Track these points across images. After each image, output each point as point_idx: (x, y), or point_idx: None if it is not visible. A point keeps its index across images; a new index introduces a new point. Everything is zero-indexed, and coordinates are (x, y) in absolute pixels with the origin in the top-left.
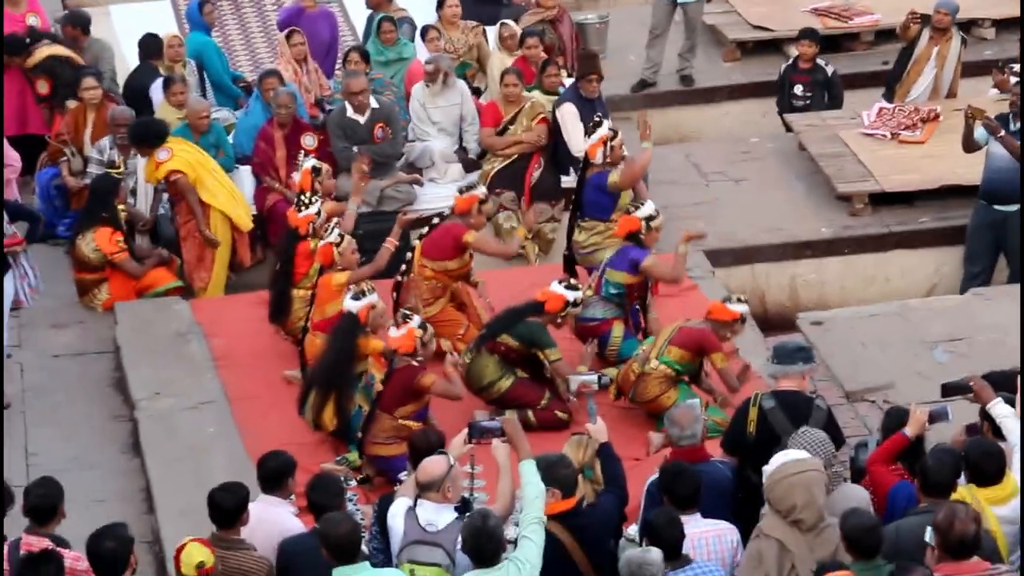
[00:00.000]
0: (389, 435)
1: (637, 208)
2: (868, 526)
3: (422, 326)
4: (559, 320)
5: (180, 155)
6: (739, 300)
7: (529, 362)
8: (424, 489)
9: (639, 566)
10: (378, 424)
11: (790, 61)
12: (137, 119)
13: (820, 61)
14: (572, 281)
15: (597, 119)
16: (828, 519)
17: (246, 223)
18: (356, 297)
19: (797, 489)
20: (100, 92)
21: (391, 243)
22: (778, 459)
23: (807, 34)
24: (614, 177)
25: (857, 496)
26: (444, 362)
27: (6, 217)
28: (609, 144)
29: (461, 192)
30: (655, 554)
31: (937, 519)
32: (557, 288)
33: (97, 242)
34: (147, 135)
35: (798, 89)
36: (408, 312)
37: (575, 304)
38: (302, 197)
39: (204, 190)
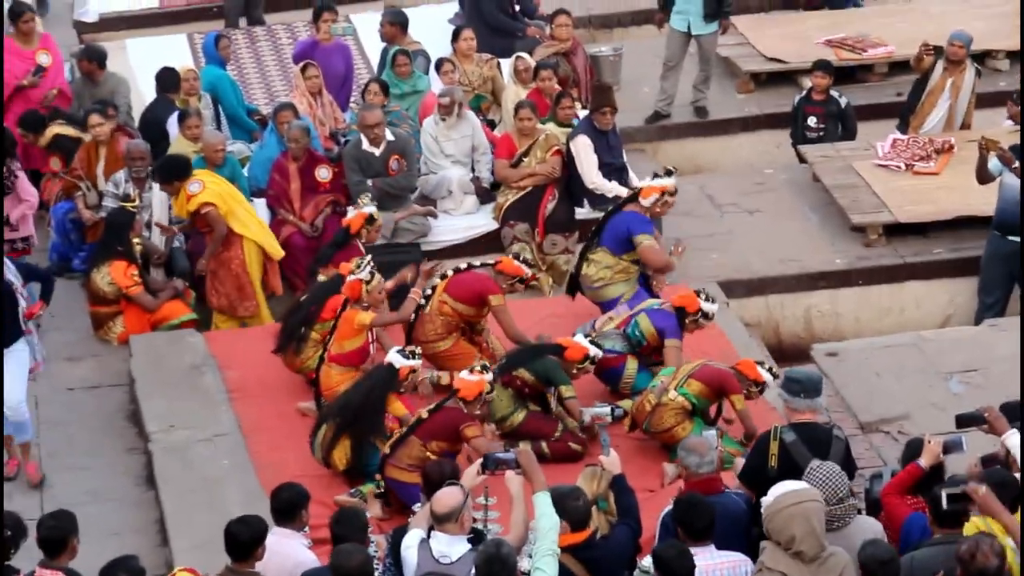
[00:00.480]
0: (413, 463)
1: (707, 298)
2: (884, 559)
3: (492, 383)
4: (574, 371)
5: (211, 187)
6: (771, 371)
7: (541, 398)
8: (442, 521)
9: None
10: (406, 449)
11: (803, 92)
12: (159, 158)
13: (834, 92)
14: (597, 339)
15: (672, 169)
16: (830, 548)
17: (278, 251)
18: (405, 356)
19: (796, 520)
20: (108, 128)
21: (416, 294)
22: (776, 490)
23: (821, 66)
24: (644, 240)
25: (872, 529)
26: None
27: (20, 279)
28: (665, 196)
29: (515, 257)
30: None
31: (960, 551)
32: (581, 340)
33: (112, 275)
34: (172, 170)
35: (812, 120)
36: (488, 365)
37: (592, 361)
38: (358, 262)
39: (236, 221)
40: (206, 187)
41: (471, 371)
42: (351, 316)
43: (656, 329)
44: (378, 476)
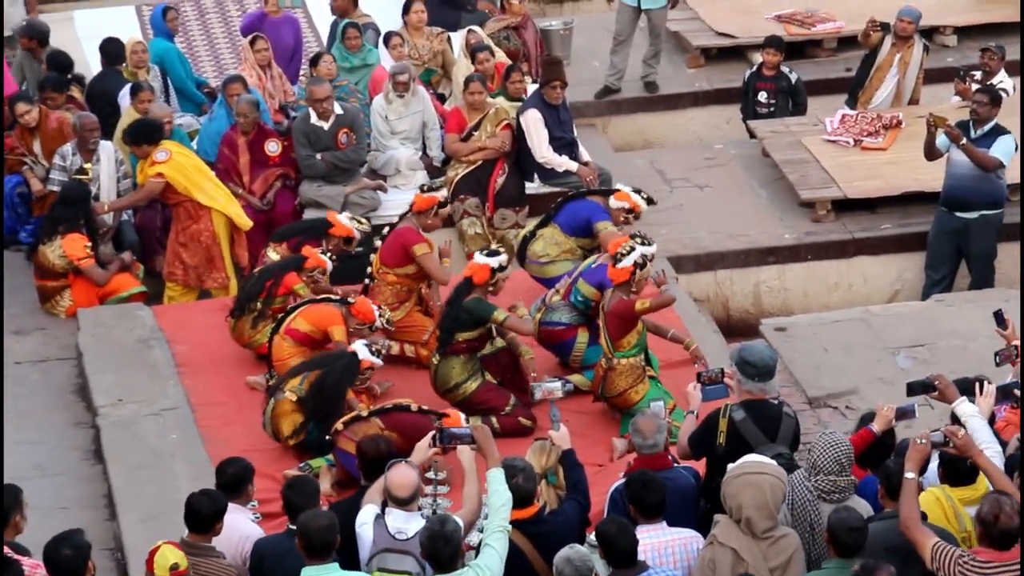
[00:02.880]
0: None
1: (643, 242)
2: (852, 526)
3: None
4: (490, 289)
5: (177, 159)
6: (647, 199)
7: (496, 360)
8: (406, 503)
9: (565, 561)
10: (364, 426)
11: (754, 68)
12: (137, 121)
13: (784, 68)
14: (492, 247)
15: (653, 200)
16: (783, 529)
17: (246, 222)
18: (372, 352)
19: (748, 489)
20: (35, 113)
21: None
22: (745, 458)
23: (772, 42)
24: (605, 227)
25: (865, 509)
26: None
27: None
28: (631, 214)
29: (423, 190)
30: (579, 549)
31: (982, 511)
32: (480, 258)
33: (65, 248)
34: (144, 133)
35: (762, 96)
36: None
37: (502, 268)
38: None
39: (202, 193)
40: (172, 158)
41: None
42: (331, 319)
43: (595, 286)
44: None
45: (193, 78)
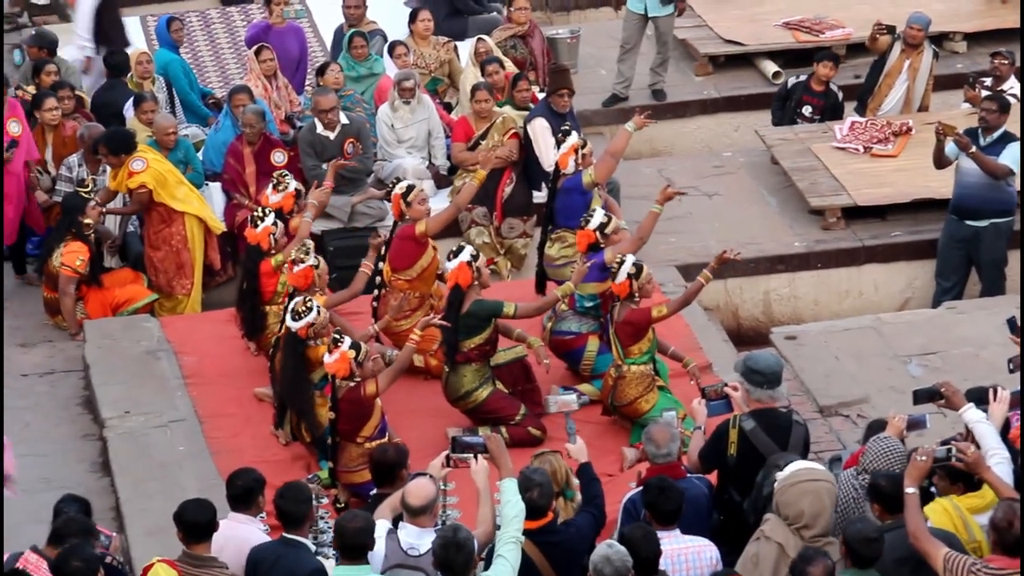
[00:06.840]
0: (358, 462)
1: (587, 221)
2: (869, 537)
3: (353, 347)
4: (477, 283)
5: (153, 166)
6: (457, 251)
7: (509, 371)
8: (417, 514)
9: (604, 560)
10: (346, 454)
11: (802, 78)
12: (107, 129)
13: (832, 86)
14: (453, 249)
15: (566, 128)
16: (830, 538)
17: (218, 226)
18: (296, 317)
19: (808, 496)
20: (59, 113)
21: (367, 267)
22: (793, 466)
23: (827, 56)
24: (587, 178)
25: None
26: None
27: None
28: (580, 152)
29: (387, 198)
30: (618, 547)
31: (996, 517)
32: (451, 264)
33: (63, 256)
34: (121, 143)
35: (807, 110)
36: (338, 336)
37: (475, 258)
38: (255, 212)
39: (174, 199)
40: (149, 167)
41: (329, 352)
42: None
43: (595, 279)
44: (333, 491)
45: (198, 89)
